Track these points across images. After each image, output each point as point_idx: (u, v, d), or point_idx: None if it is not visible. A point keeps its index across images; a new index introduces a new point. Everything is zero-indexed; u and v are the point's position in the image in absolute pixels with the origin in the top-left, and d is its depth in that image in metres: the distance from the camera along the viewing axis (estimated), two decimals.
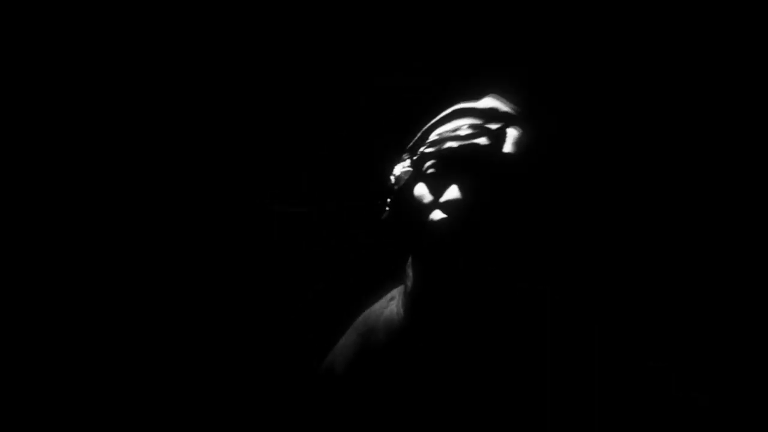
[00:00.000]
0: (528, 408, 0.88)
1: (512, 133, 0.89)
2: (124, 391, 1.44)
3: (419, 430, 0.88)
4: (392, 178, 0.93)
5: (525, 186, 0.87)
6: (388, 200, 0.95)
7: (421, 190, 0.87)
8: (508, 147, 0.88)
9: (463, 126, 0.89)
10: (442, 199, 0.84)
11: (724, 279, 1.47)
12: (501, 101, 0.93)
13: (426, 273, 0.89)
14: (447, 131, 0.89)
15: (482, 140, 0.87)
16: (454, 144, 0.87)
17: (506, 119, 0.91)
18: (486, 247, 0.86)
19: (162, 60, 1.48)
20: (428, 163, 0.88)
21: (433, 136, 0.91)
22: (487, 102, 0.93)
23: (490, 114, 0.91)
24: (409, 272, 0.94)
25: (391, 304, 0.98)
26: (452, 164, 0.87)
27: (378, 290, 1.04)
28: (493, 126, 0.89)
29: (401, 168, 0.91)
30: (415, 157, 0.91)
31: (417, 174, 0.89)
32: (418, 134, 0.96)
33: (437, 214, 0.83)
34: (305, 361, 1.05)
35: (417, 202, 0.87)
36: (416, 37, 1.47)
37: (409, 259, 0.95)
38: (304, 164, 1.53)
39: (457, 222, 0.83)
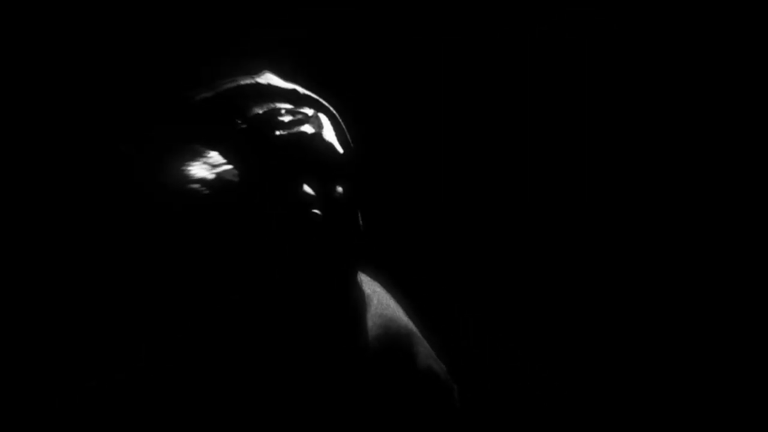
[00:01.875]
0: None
1: (325, 121, 0.84)
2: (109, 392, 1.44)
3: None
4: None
5: (355, 176, 0.85)
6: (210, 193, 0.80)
7: (265, 183, 0.77)
8: (329, 136, 0.83)
9: (280, 109, 0.80)
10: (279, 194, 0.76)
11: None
12: (284, 80, 0.86)
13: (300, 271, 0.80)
14: (263, 113, 0.79)
15: (307, 128, 0.81)
16: (283, 132, 0.79)
17: (314, 104, 0.85)
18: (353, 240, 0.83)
19: None
20: (260, 152, 0.77)
21: (244, 116, 0.79)
22: (274, 80, 0.85)
23: (295, 96, 0.84)
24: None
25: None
26: (293, 155, 0.79)
27: None
28: (307, 111, 0.82)
29: (207, 160, 0.77)
30: (230, 143, 0.77)
31: (248, 164, 0.77)
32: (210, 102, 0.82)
33: (313, 212, 0.77)
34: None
35: (265, 196, 0.77)
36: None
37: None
38: None
39: (334, 218, 0.79)
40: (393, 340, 0.89)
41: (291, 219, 0.76)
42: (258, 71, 0.84)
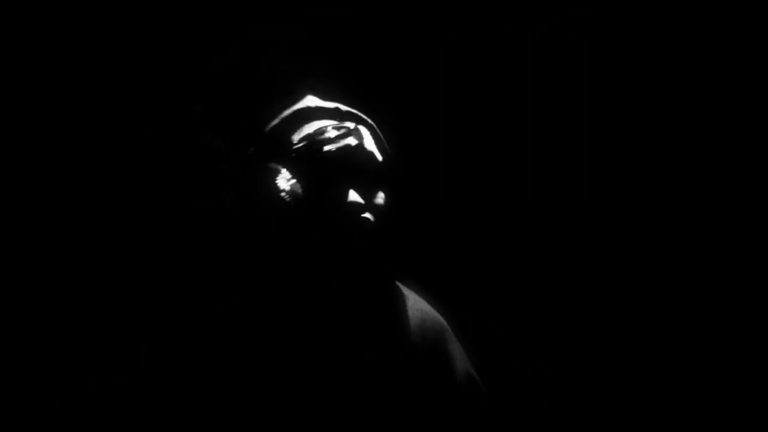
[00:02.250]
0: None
1: (365, 132, 0.94)
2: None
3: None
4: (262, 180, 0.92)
5: (394, 182, 0.95)
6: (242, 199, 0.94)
7: (321, 193, 0.88)
8: (370, 146, 0.93)
9: (327, 126, 0.91)
10: (350, 200, 0.87)
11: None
12: (326, 101, 0.98)
13: (346, 269, 0.90)
14: (314, 132, 0.90)
15: (351, 140, 0.90)
16: (331, 147, 0.89)
17: (353, 118, 0.96)
18: (394, 244, 0.92)
19: None
20: (314, 166, 0.89)
21: (299, 136, 0.91)
22: (317, 101, 0.96)
23: (338, 113, 0.95)
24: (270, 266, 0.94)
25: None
26: (342, 166, 0.89)
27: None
28: (349, 125, 0.92)
29: (282, 175, 0.90)
30: (292, 160, 0.90)
31: (306, 177, 0.89)
32: (266, 131, 0.95)
33: (363, 217, 0.87)
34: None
35: (321, 205, 0.88)
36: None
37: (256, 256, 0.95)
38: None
39: (380, 223, 0.88)
40: (430, 333, 0.98)
41: (345, 224, 0.87)
42: (301, 95, 0.98)
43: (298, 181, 0.88)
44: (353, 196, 0.87)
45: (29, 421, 1.42)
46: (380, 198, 0.91)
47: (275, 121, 0.95)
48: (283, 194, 0.87)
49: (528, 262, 1.54)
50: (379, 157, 0.93)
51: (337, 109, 0.96)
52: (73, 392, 1.43)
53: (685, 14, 1.51)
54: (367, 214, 0.87)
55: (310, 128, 0.92)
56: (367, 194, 0.89)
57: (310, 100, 0.98)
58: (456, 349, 1.00)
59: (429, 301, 1.03)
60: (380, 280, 0.95)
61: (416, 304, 1.00)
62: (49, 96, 1.47)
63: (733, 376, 1.44)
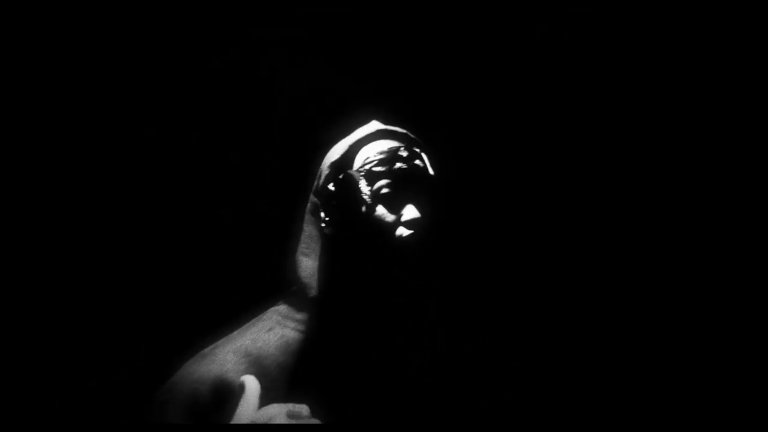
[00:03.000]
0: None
1: (427, 157, 1.05)
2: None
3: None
4: (341, 193, 1.02)
5: (447, 202, 1.05)
6: (328, 214, 1.04)
7: (383, 209, 0.98)
8: (432, 169, 1.04)
9: (399, 148, 1.01)
10: (406, 218, 0.96)
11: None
12: (391, 127, 1.09)
13: (391, 285, 0.97)
14: (385, 152, 1.00)
15: (418, 162, 1.01)
16: (403, 165, 0.99)
17: (418, 144, 1.07)
18: (439, 259, 1.01)
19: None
20: (382, 183, 0.99)
21: (374, 156, 1.01)
22: (378, 125, 1.08)
23: (406, 138, 1.06)
24: (310, 288, 1.02)
25: (276, 328, 0.99)
26: (404, 185, 0.99)
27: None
28: (416, 149, 1.03)
29: (363, 187, 1.00)
30: (364, 176, 1.00)
31: (374, 192, 0.99)
32: (340, 153, 1.06)
33: (406, 231, 0.95)
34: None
35: (380, 219, 0.97)
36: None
37: (305, 276, 1.03)
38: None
39: (424, 237, 0.96)
40: None
41: (410, 237, 0.96)
42: (367, 121, 1.10)
43: (378, 199, 0.98)
44: (415, 211, 0.96)
45: (29, 421, 1.42)
46: (435, 212, 0.99)
47: (348, 147, 1.05)
48: (370, 213, 0.97)
49: (528, 262, 1.54)
50: (436, 176, 1.04)
51: (406, 134, 1.07)
52: (73, 392, 1.44)
53: (685, 14, 1.51)
54: (404, 231, 0.96)
55: (379, 149, 1.02)
56: (426, 209, 0.98)
57: (376, 125, 1.09)
58: None
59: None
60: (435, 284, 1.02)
61: None
62: (48, 96, 1.47)
63: (734, 376, 1.45)
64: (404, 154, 1.00)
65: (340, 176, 1.01)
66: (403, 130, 1.08)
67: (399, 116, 1.13)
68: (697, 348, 1.47)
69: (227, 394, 0.88)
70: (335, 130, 1.11)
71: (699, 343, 1.47)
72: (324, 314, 0.99)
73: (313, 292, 1.00)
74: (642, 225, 1.54)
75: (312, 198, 1.08)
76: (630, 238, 1.54)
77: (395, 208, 0.97)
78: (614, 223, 1.55)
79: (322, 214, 1.02)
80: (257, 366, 0.93)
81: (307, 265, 1.02)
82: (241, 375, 0.86)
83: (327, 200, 1.03)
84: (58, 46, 1.47)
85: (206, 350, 0.97)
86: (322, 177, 1.05)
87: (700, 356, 1.46)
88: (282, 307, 1.02)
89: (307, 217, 1.07)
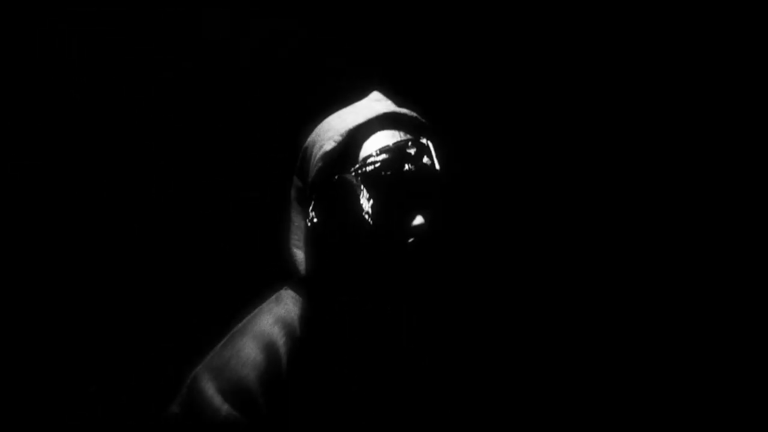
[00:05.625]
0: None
1: (430, 144, 0.94)
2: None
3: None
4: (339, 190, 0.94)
5: (454, 195, 0.98)
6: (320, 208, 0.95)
7: (383, 217, 0.89)
8: (434, 159, 0.93)
9: (406, 144, 0.90)
10: (411, 225, 0.88)
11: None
12: (396, 109, 0.97)
13: (394, 277, 0.93)
14: (390, 150, 0.90)
15: (426, 159, 0.91)
16: (409, 166, 0.89)
17: (424, 128, 0.96)
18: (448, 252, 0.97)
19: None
20: (385, 189, 0.90)
21: (375, 154, 0.90)
22: (379, 105, 0.96)
23: (412, 124, 0.95)
24: (309, 280, 0.98)
25: (283, 307, 0.99)
26: (409, 187, 0.90)
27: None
28: (422, 141, 0.92)
29: (362, 197, 0.91)
30: (363, 179, 0.90)
31: (374, 201, 0.90)
32: (335, 140, 0.94)
33: (410, 239, 0.88)
34: None
35: (379, 228, 0.89)
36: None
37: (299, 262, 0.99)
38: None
39: (431, 230, 0.89)
40: None
41: (413, 246, 0.89)
42: (366, 90, 1.00)
43: (375, 200, 0.89)
44: (418, 218, 0.89)
45: (30, 426, 1.41)
46: (438, 215, 0.92)
47: (344, 136, 0.93)
48: (364, 215, 0.88)
49: (528, 262, 1.54)
50: (442, 172, 0.94)
51: (415, 118, 0.96)
52: (73, 397, 1.43)
53: (685, 14, 1.51)
54: (423, 236, 0.90)
55: (385, 140, 0.91)
56: (430, 213, 0.91)
57: (376, 96, 0.99)
58: None
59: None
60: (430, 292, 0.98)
61: None
62: (49, 96, 1.47)
63: (734, 376, 1.44)
64: (411, 151, 0.89)
65: (335, 177, 0.91)
66: (410, 113, 0.96)
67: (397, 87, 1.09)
68: (697, 348, 1.46)
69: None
70: (329, 102, 1.01)
71: (699, 343, 1.47)
72: (320, 309, 0.97)
73: (311, 283, 0.98)
74: (642, 225, 1.54)
75: (296, 181, 0.99)
76: (630, 238, 1.53)
77: (398, 214, 0.88)
78: (614, 223, 1.54)
79: (312, 213, 0.93)
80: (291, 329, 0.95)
81: (302, 257, 0.98)
82: (282, 338, 0.93)
83: (318, 199, 0.93)
84: (48, 43, 1.47)
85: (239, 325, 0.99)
86: (313, 167, 0.94)
87: (700, 356, 1.46)
88: (289, 292, 1.01)
89: (294, 204, 0.99)
